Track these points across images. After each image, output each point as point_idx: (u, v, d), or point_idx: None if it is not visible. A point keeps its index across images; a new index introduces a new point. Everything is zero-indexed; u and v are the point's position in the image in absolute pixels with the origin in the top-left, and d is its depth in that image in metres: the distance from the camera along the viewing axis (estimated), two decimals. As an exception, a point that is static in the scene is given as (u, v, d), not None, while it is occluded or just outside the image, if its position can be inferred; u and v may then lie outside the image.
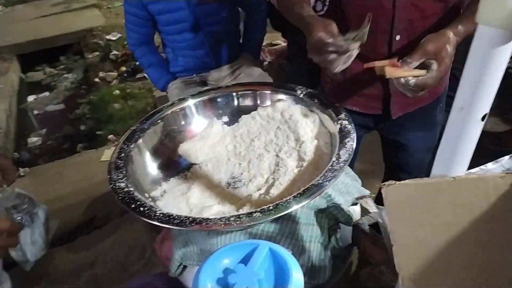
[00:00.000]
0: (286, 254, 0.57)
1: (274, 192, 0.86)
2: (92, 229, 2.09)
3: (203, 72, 1.86)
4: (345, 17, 1.02)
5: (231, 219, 0.67)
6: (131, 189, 0.78)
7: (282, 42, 3.03)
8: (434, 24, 0.97)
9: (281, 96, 1.04)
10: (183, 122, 1.05)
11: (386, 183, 0.50)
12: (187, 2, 1.65)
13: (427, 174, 1.16)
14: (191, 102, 1.05)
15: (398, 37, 0.98)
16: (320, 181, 0.72)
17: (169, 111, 1.03)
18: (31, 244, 0.78)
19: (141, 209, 0.72)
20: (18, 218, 0.76)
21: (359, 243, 0.85)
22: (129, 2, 1.68)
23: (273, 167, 0.95)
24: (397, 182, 0.50)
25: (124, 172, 0.83)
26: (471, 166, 0.56)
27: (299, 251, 0.81)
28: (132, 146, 0.92)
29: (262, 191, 0.88)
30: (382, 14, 0.96)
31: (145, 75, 3.93)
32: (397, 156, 1.28)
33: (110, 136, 2.97)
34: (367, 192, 0.95)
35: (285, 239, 0.81)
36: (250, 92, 1.06)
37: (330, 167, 0.75)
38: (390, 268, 0.70)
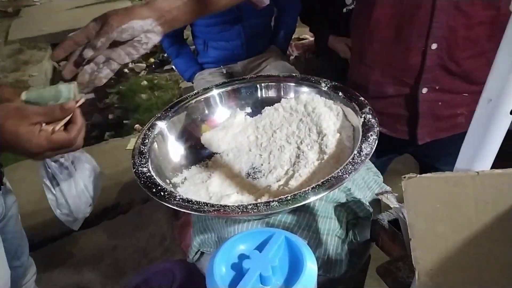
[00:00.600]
0: (301, 243, 0.57)
1: (293, 183, 0.85)
2: (117, 214, 2.16)
3: (231, 63, 1.87)
4: (371, 17, 0.92)
5: (248, 207, 0.68)
6: (153, 174, 0.80)
7: (309, 37, 3.01)
8: (479, 37, 0.84)
9: (305, 88, 1.03)
10: (206, 112, 1.05)
11: (407, 175, 0.49)
12: None
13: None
14: (215, 92, 1.06)
15: (434, 46, 0.86)
16: (340, 174, 0.71)
17: (193, 101, 1.05)
18: (76, 196, 0.70)
19: (161, 193, 0.74)
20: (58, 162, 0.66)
21: (377, 239, 0.84)
22: None
23: (293, 159, 0.95)
24: (418, 175, 0.48)
25: (147, 158, 0.85)
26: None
27: (315, 243, 0.81)
28: (156, 133, 0.94)
29: (281, 182, 0.88)
30: (417, 15, 0.85)
31: (173, 66, 4.00)
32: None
33: (136, 126, 3.04)
34: (388, 188, 0.93)
35: (302, 230, 0.81)
36: (274, 84, 1.06)
37: (351, 160, 0.74)
38: (407, 264, 0.69)
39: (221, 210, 0.68)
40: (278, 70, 1.84)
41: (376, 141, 0.78)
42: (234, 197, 0.86)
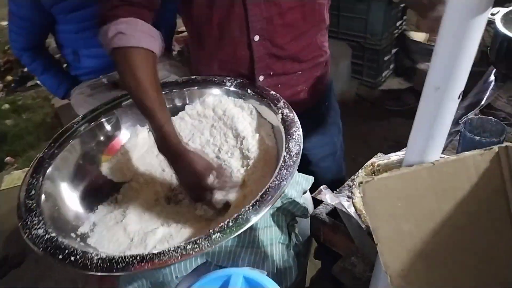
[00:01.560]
0: (262, 279, 0.49)
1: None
2: (7, 270, 1.80)
3: (111, 71, 1.65)
4: (193, 16, 0.92)
5: (187, 247, 0.57)
6: (53, 234, 0.63)
7: (187, 29, 2.87)
8: (294, 21, 0.89)
9: (210, 90, 0.94)
10: (102, 138, 0.89)
11: (363, 179, 0.45)
12: None
13: (335, 181, 1.12)
14: (105, 112, 0.90)
15: (257, 38, 0.89)
16: (276, 182, 0.65)
17: (82, 127, 0.87)
18: None
19: (72, 258, 0.59)
20: None
21: (318, 234, 0.82)
22: (18, 3, 1.40)
23: None
24: (375, 177, 0.45)
25: (39, 215, 0.67)
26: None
27: (261, 258, 0.75)
28: (41, 178, 0.75)
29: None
30: (233, 12, 0.86)
31: (38, 81, 3.48)
32: (306, 170, 0.98)
33: (8, 159, 2.58)
34: (311, 178, 0.90)
35: (245, 249, 0.74)
36: (175, 91, 0.94)
37: (283, 164, 0.68)
38: (361, 257, 0.67)
39: (156, 261, 0.57)
40: (164, 71, 1.69)
41: (302, 137, 0.74)
42: (160, 232, 0.74)
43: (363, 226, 0.66)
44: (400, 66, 2.80)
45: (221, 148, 0.88)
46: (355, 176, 0.86)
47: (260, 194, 0.64)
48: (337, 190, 0.84)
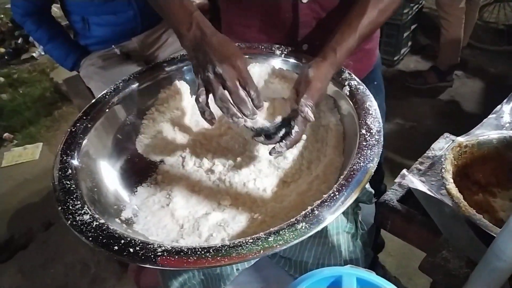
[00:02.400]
0: (379, 280, 0.41)
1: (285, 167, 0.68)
2: (14, 252, 1.71)
3: (124, 41, 1.53)
4: None
5: (269, 239, 0.48)
6: (101, 221, 0.54)
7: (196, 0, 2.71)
8: None
9: (256, 60, 0.83)
10: (141, 107, 0.79)
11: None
12: None
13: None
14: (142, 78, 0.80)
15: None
16: (361, 163, 0.56)
17: (115, 99, 0.77)
18: None
19: (131, 250, 0.49)
20: None
21: (385, 222, 0.73)
22: None
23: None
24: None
25: (81, 198, 0.58)
26: None
27: (328, 249, 0.67)
28: (77, 155, 0.65)
29: (270, 179, 0.70)
30: None
31: (33, 54, 3.30)
32: None
33: (6, 135, 2.44)
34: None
35: (313, 239, 0.66)
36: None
37: (364, 143, 0.59)
38: (453, 252, 0.59)
39: (234, 255, 0.48)
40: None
41: (379, 113, 0.65)
42: (213, 217, 0.65)
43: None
44: (417, 44, 2.69)
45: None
46: (428, 161, 0.77)
47: (343, 177, 0.55)
48: (402, 174, 0.76)
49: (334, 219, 0.50)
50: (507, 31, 2.68)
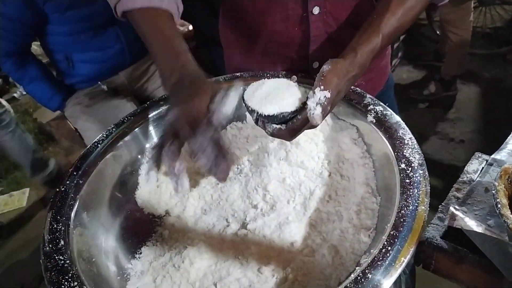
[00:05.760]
0: None
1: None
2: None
3: (111, 76, 1.44)
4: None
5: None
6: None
7: (180, 26, 2.66)
8: None
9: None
10: (137, 155, 0.70)
11: None
12: None
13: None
14: (143, 120, 0.71)
15: (316, 10, 0.71)
16: (410, 207, 0.47)
17: (108, 147, 0.67)
18: None
19: None
20: None
21: (429, 262, 0.64)
22: (6, 2, 1.18)
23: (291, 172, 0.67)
24: None
25: (77, 277, 0.47)
26: None
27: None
28: (68, 221, 0.55)
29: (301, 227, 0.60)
30: None
31: (14, 95, 3.19)
32: None
33: (-10, 182, 2.31)
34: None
35: None
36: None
37: (407, 181, 0.51)
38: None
39: None
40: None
41: (416, 143, 0.56)
42: (235, 278, 0.56)
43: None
44: (407, 54, 2.67)
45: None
46: (465, 186, 0.69)
47: (390, 225, 0.46)
48: (443, 206, 0.67)
49: (392, 283, 0.41)
50: (495, 34, 2.68)
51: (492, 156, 0.76)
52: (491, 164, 0.72)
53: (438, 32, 2.55)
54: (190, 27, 2.44)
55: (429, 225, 0.66)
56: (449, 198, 0.69)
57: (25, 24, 1.24)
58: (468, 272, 0.60)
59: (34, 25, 1.26)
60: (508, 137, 0.81)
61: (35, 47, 1.56)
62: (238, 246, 0.61)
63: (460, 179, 0.73)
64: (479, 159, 0.76)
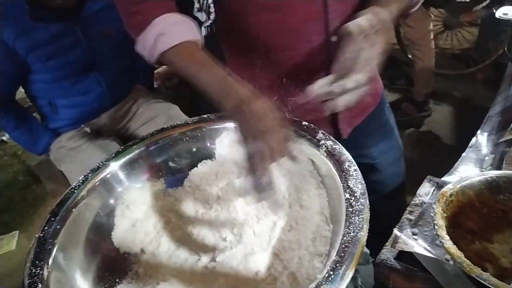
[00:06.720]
0: None
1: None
2: None
3: (92, 118, 1.50)
4: (241, 30, 0.79)
5: None
6: None
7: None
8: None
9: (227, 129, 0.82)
10: (111, 200, 0.75)
11: None
12: (81, 38, 1.31)
13: (400, 188, 1.06)
14: (114, 166, 0.77)
15: (334, 39, 0.75)
16: (351, 233, 0.53)
17: (83, 192, 0.72)
18: None
19: None
20: None
21: (387, 282, 0.69)
22: None
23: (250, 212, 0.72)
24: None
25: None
26: None
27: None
28: (46, 265, 0.60)
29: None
30: (310, 11, 0.74)
31: (4, 137, 3.22)
32: (371, 181, 0.84)
33: (-23, 227, 2.31)
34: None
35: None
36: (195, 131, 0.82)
37: (350, 209, 0.56)
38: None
39: None
40: (153, 111, 1.57)
41: (360, 174, 0.62)
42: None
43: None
44: (382, 78, 2.78)
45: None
46: (417, 209, 0.75)
47: (334, 252, 0.52)
48: (398, 227, 0.73)
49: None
50: (463, 55, 2.82)
51: (442, 178, 0.83)
52: (441, 187, 0.78)
53: (409, 56, 2.68)
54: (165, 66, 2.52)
55: (384, 247, 0.72)
56: (402, 221, 0.75)
57: (8, 76, 1.30)
58: (420, 286, 0.65)
59: (18, 75, 1.33)
60: (458, 161, 0.88)
61: (20, 90, 1.62)
62: (208, 279, 0.66)
63: (412, 201, 0.80)
64: (431, 182, 0.83)
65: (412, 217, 0.74)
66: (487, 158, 0.87)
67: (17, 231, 2.21)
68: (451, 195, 0.63)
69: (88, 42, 1.35)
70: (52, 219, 0.67)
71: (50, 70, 1.33)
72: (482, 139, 0.96)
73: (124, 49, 1.38)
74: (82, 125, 1.49)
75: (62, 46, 1.31)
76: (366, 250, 0.71)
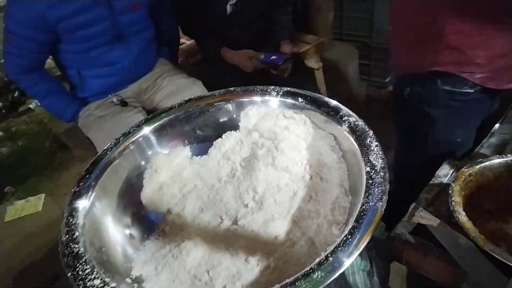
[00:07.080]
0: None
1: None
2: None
3: (119, 89, 1.55)
4: None
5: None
6: (113, 285, 0.53)
7: (186, 41, 2.78)
8: None
9: (253, 101, 0.85)
10: (142, 162, 0.79)
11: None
12: (109, 11, 1.34)
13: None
14: (146, 130, 0.81)
15: None
16: (370, 203, 0.56)
17: (116, 154, 0.77)
18: None
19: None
20: None
21: (400, 256, 0.72)
22: (19, 22, 1.28)
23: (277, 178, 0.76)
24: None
25: (89, 261, 0.57)
26: None
27: (345, 291, 0.65)
28: (82, 216, 0.65)
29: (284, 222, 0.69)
30: None
31: (30, 106, 3.34)
32: None
33: (7, 188, 2.43)
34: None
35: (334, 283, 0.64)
36: (221, 102, 0.85)
37: (370, 181, 0.59)
38: (474, 285, 0.58)
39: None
40: (176, 85, 1.60)
41: (381, 149, 0.65)
42: (226, 266, 0.64)
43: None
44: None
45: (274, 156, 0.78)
46: (435, 189, 0.77)
47: (353, 218, 0.55)
48: (414, 206, 0.75)
49: (349, 264, 0.49)
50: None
51: (462, 168, 0.84)
52: (459, 169, 0.79)
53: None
54: (188, 42, 2.55)
55: (399, 222, 0.74)
56: (419, 200, 0.77)
57: (39, 43, 1.34)
58: (433, 264, 0.68)
59: (48, 43, 1.37)
60: (478, 146, 0.89)
61: (48, 60, 1.67)
62: (229, 240, 0.70)
63: (431, 182, 0.81)
64: (450, 164, 0.84)
65: (429, 196, 0.76)
66: (508, 146, 0.88)
67: (43, 194, 2.31)
68: (470, 174, 0.64)
69: (115, 16, 1.38)
70: (87, 176, 0.71)
71: (78, 40, 1.37)
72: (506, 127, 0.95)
73: (149, 23, 1.41)
74: (109, 95, 1.54)
75: (91, 18, 1.34)
76: (382, 224, 0.74)
